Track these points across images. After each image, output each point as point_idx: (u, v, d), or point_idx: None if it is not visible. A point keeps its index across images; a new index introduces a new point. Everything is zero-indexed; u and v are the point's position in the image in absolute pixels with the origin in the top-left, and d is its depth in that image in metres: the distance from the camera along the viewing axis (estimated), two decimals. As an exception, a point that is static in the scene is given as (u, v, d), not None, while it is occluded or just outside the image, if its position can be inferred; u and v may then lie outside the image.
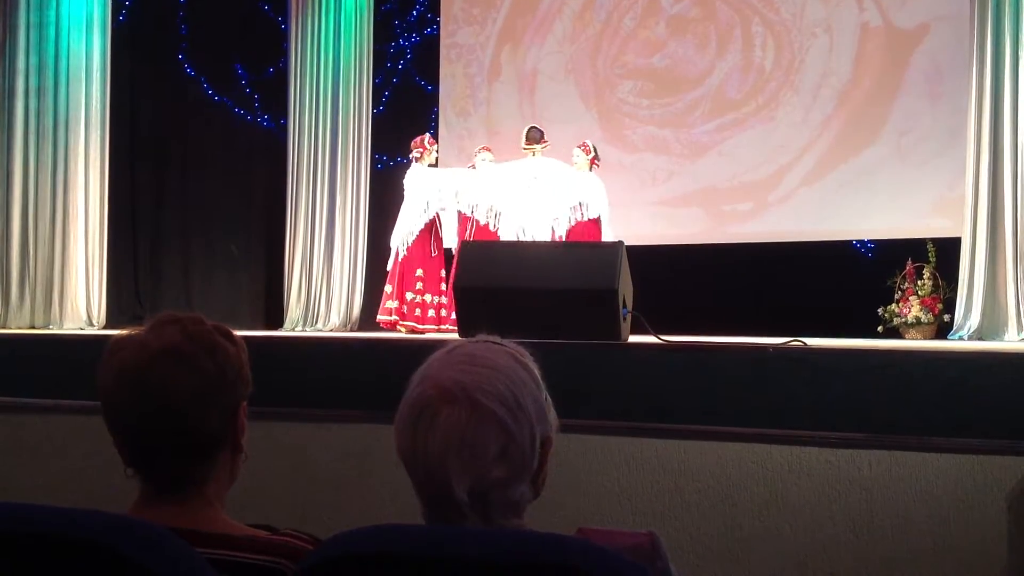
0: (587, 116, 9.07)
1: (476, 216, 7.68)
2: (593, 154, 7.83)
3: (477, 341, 1.49)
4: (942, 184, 7.81)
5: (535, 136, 7.81)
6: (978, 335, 7.03)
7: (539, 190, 7.53)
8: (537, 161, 7.73)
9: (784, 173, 8.35)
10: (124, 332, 1.67)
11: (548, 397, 1.47)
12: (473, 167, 8.03)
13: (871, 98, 8.17)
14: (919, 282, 7.61)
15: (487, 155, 8.02)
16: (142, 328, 1.66)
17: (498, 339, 1.50)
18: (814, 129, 8.32)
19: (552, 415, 1.47)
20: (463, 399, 1.38)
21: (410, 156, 8.11)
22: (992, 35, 7.16)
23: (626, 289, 4.70)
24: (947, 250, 7.50)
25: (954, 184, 7.58)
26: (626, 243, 4.93)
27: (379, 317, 7.85)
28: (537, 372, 1.47)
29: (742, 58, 8.61)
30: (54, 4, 8.47)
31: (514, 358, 1.45)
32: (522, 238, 7.46)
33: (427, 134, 8.42)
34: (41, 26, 8.44)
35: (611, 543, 1.38)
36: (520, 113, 9.36)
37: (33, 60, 8.42)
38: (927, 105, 7.98)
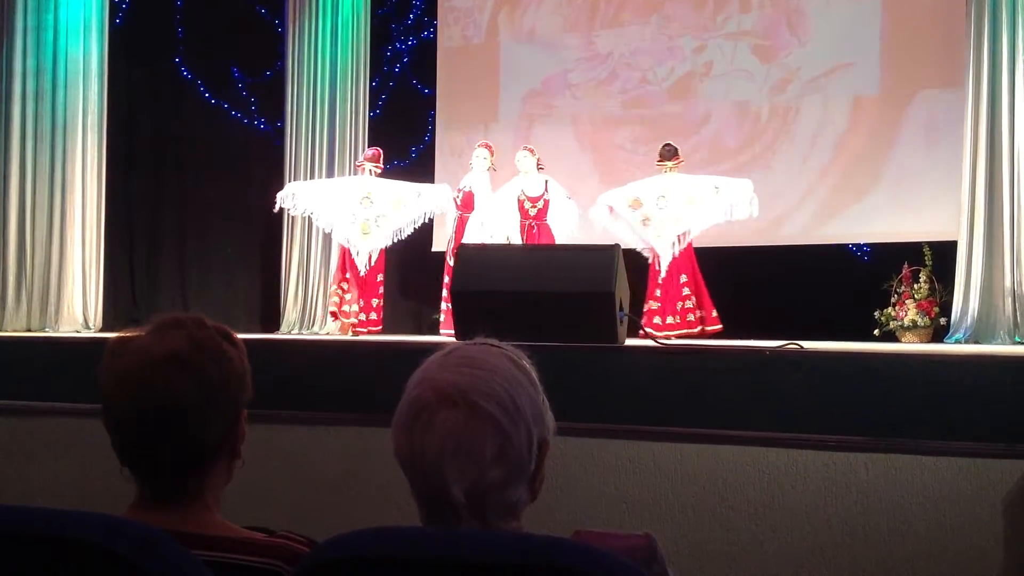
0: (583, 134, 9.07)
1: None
2: (538, 156, 7.89)
3: (474, 344, 1.49)
4: (938, 188, 7.82)
5: (667, 153, 7.75)
6: (974, 339, 7.03)
7: (666, 208, 7.52)
8: (668, 179, 7.67)
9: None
10: (126, 334, 1.63)
11: (545, 400, 1.47)
12: (470, 166, 8.06)
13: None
14: (915, 285, 7.61)
15: (484, 152, 8.00)
16: (144, 329, 1.63)
17: (496, 342, 1.50)
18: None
19: (549, 417, 1.47)
20: (460, 401, 1.38)
21: (373, 167, 8.14)
22: (989, 37, 7.16)
23: (623, 292, 4.71)
24: (943, 253, 7.51)
25: (950, 188, 7.59)
26: (623, 246, 4.94)
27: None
28: (534, 374, 1.47)
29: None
30: (52, 8, 8.46)
31: (511, 360, 1.45)
32: (646, 255, 7.60)
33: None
34: (39, 30, 8.43)
35: (608, 545, 1.39)
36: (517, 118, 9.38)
37: (31, 64, 8.42)
38: (923, 111, 8.00)
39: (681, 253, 7.52)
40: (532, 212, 7.79)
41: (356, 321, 7.95)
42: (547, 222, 7.79)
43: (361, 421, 3.99)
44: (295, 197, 8.25)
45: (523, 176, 7.92)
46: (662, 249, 7.51)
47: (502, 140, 8.84)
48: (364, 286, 8.01)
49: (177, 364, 1.57)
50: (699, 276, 7.58)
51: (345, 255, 8.11)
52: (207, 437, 1.60)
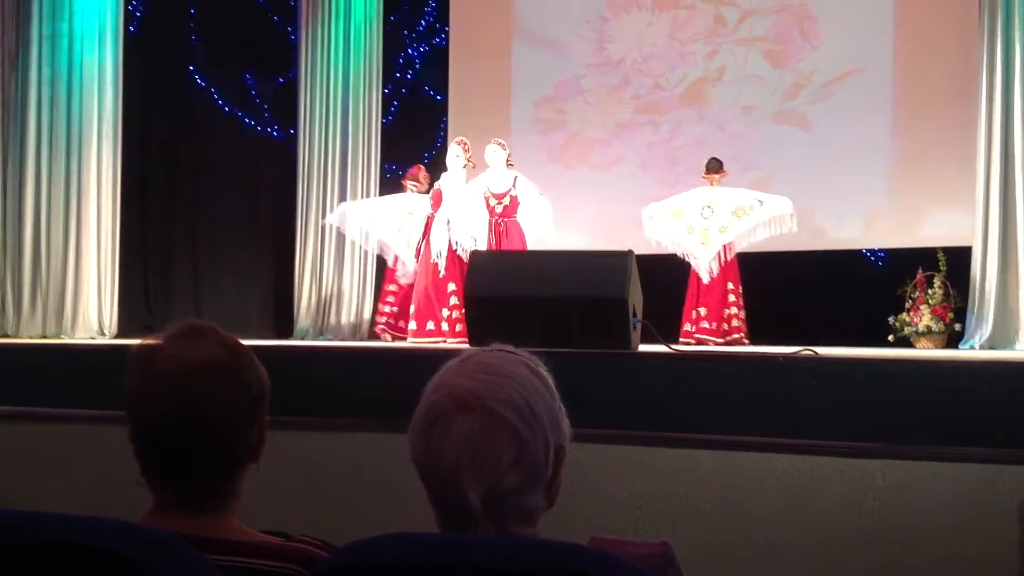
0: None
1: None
2: (508, 151, 7.70)
3: (491, 350, 1.49)
4: (952, 193, 7.79)
5: (713, 167, 7.79)
6: (989, 344, 7.01)
7: (711, 218, 7.56)
8: (712, 190, 7.72)
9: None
10: (149, 342, 1.62)
11: (562, 407, 1.47)
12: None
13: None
14: (930, 291, 7.58)
15: (458, 149, 7.67)
16: (163, 337, 1.62)
17: (512, 348, 1.50)
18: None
19: (565, 424, 1.47)
20: (477, 407, 1.38)
21: (412, 184, 8.31)
22: (1002, 40, 7.15)
23: (636, 298, 4.70)
24: (958, 259, 7.48)
25: (965, 193, 7.55)
26: (636, 252, 4.94)
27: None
28: (551, 381, 1.47)
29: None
30: (67, 16, 8.50)
31: (528, 367, 1.45)
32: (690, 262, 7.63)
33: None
34: (54, 38, 8.47)
35: (624, 552, 1.39)
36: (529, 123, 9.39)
37: (46, 72, 8.46)
38: (936, 113, 7.97)
39: (727, 262, 7.59)
40: (498, 209, 7.50)
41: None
42: (516, 219, 7.51)
43: (377, 427, 3.99)
44: (345, 217, 8.38)
45: (491, 171, 7.64)
46: (706, 258, 7.52)
47: (514, 145, 8.84)
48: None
49: (216, 373, 1.58)
50: (740, 286, 7.68)
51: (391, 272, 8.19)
52: (245, 443, 1.62)
